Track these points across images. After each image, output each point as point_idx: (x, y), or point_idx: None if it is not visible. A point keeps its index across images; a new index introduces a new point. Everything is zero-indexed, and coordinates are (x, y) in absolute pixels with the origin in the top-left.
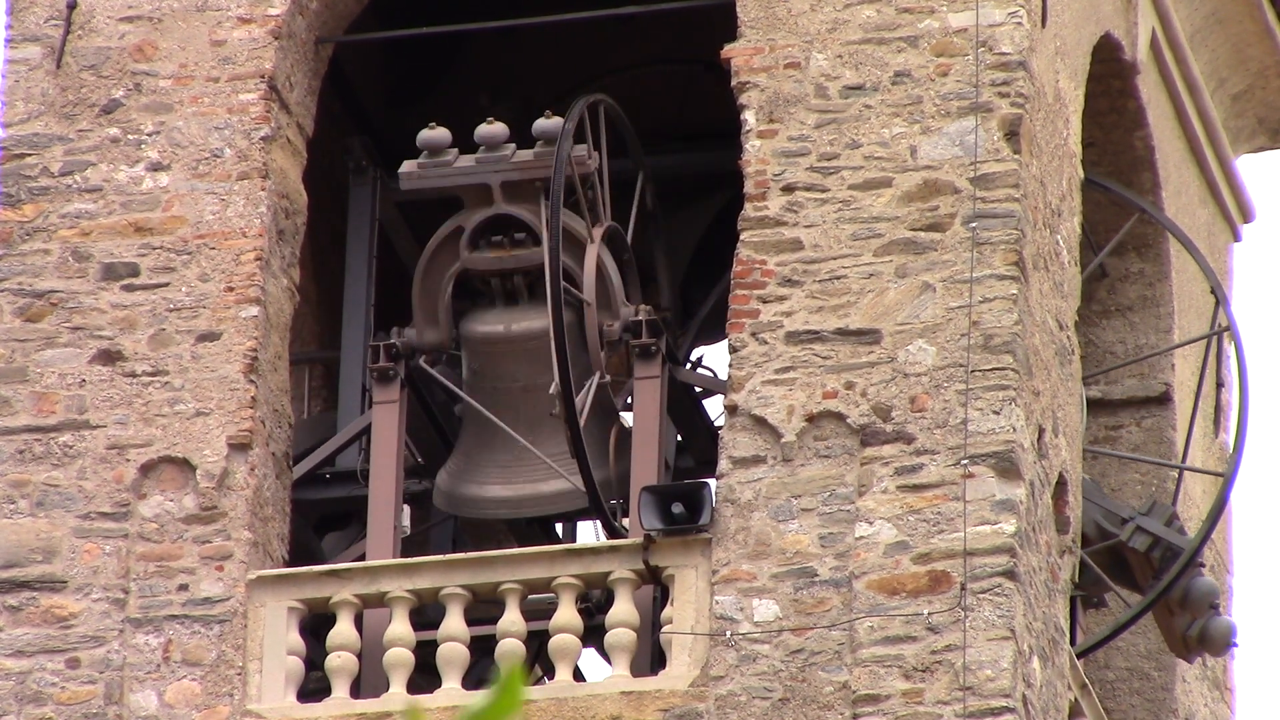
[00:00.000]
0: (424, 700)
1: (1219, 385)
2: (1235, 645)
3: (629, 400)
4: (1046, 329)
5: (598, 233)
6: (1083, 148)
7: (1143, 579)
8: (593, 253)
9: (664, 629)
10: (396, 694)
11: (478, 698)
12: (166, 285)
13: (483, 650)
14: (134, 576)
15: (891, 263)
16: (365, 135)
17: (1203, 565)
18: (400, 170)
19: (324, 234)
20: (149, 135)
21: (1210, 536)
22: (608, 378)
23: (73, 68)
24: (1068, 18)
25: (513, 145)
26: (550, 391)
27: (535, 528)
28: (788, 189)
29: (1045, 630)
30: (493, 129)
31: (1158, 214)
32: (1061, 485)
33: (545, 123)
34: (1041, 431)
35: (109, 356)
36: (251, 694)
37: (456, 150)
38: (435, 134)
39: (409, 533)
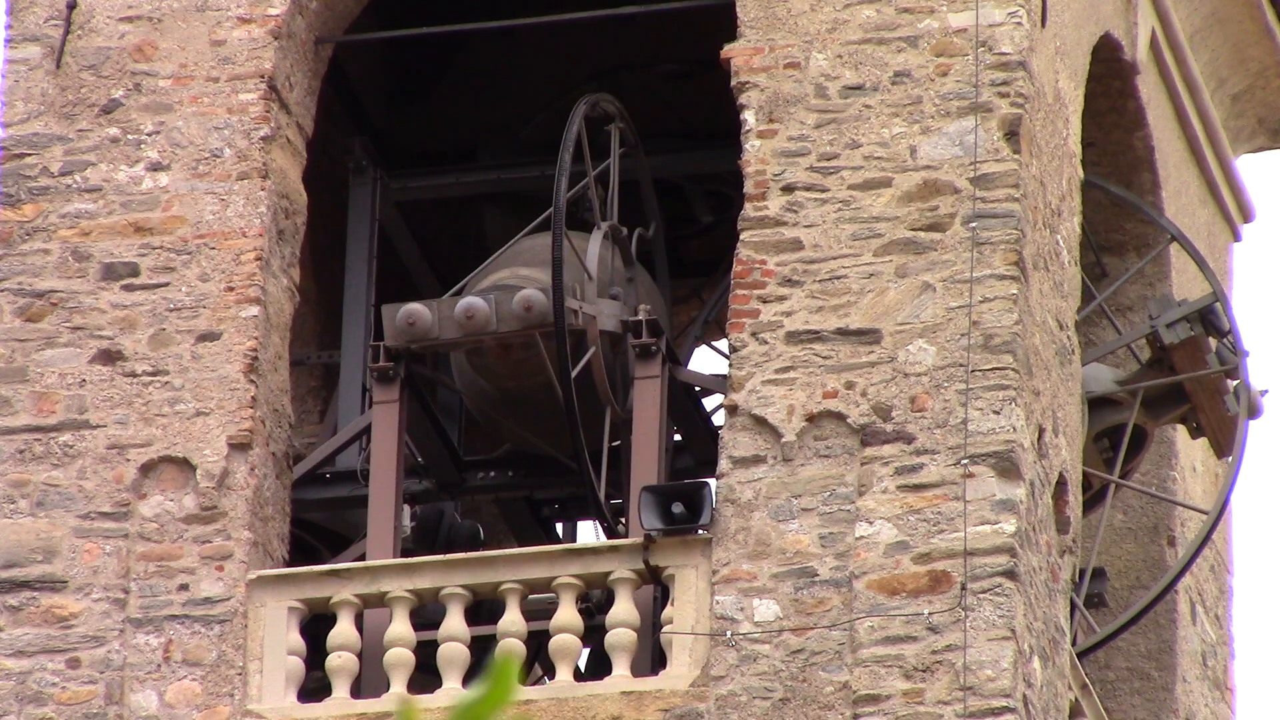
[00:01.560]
0: (424, 700)
1: None
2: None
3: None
4: (1047, 329)
5: (598, 234)
6: (1082, 148)
7: (1196, 362)
8: (596, 239)
9: (664, 629)
10: (397, 694)
11: (470, 691)
12: (166, 285)
13: (483, 650)
14: (134, 576)
15: (891, 263)
16: (365, 135)
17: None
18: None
19: (324, 234)
20: (149, 135)
21: (1210, 537)
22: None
23: (72, 68)
24: (1067, 18)
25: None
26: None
27: (535, 528)
28: (787, 189)
29: (1046, 630)
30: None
31: (1157, 215)
32: (1061, 485)
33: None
34: (1042, 431)
35: (109, 356)
36: (252, 694)
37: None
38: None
39: (409, 532)
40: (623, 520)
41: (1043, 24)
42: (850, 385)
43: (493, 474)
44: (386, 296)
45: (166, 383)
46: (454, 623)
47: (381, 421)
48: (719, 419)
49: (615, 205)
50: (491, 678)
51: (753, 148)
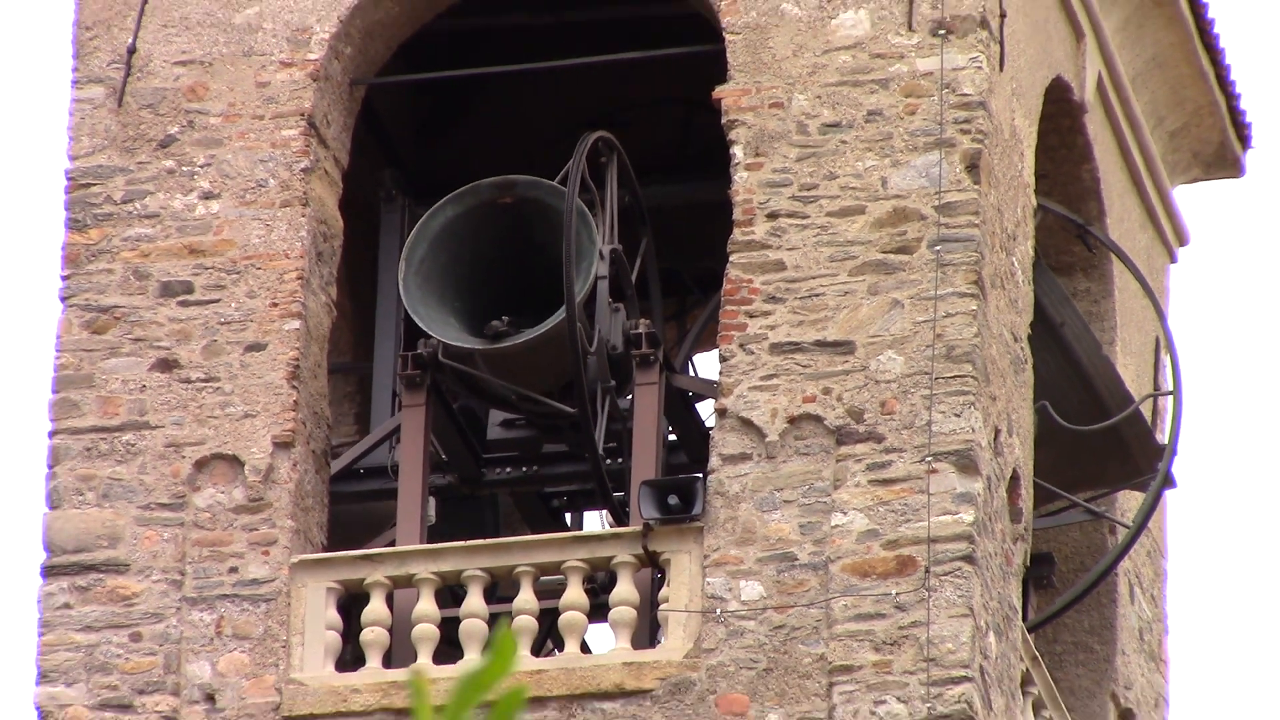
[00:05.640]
0: (446, 670)
1: (1156, 390)
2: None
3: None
4: (1002, 341)
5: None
6: (1035, 179)
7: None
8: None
9: (661, 607)
10: (423, 665)
11: (475, 663)
12: (217, 301)
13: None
14: (189, 560)
15: (864, 281)
16: (395, 167)
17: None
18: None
19: (358, 255)
20: (201, 167)
21: (1146, 525)
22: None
23: (132, 106)
24: (1023, 62)
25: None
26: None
27: (547, 517)
28: (772, 216)
29: (1000, 608)
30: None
31: (1103, 237)
32: (1015, 480)
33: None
34: (998, 432)
35: (166, 364)
36: (294, 664)
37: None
38: None
39: (434, 520)
40: (626, 508)
41: (1001, 68)
42: (827, 391)
43: (508, 470)
44: None
45: (218, 388)
46: (474, 601)
47: (409, 423)
48: (710, 421)
49: (615, 230)
50: (495, 651)
51: (741, 179)
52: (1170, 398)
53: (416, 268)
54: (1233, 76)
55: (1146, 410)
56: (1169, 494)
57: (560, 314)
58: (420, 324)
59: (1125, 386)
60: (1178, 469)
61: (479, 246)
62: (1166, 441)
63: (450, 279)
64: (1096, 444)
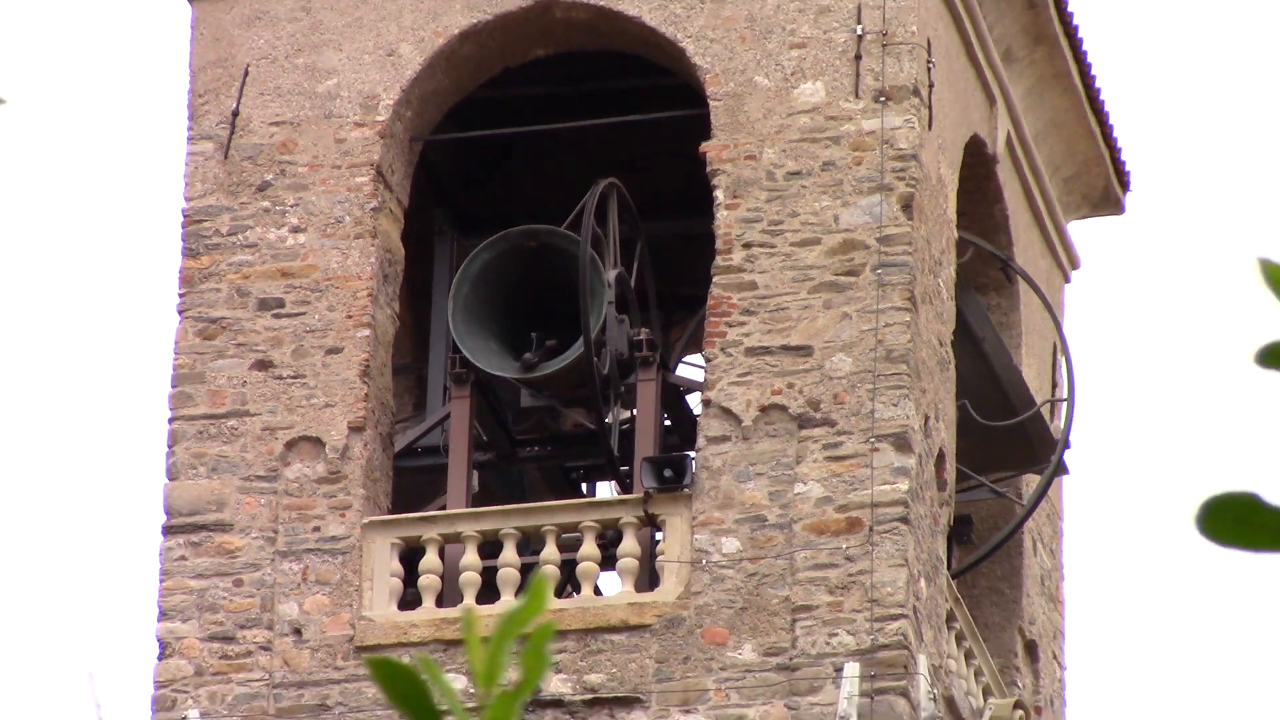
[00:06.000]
0: (486, 609)
1: (1054, 387)
2: None
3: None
4: (931, 346)
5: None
6: (957, 216)
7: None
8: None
9: (658, 558)
10: (467, 605)
11: (514, 603)
12: (303, 314)
13: (529, 574)
14: (281, 521)
15: (820, 298)
16: (445, 207)
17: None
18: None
19: (416, 278)
20: (290, 207)
21: (1038, 504)
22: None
23: (236, 158)
24: (947, 122)
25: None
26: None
27: (567, 486)
28: (746, 245)
29: (929, 559)
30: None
31: (1012, 262)
32: (941, 457)
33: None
34: (927, 419)
35: (262, 364)
36: (365, 605)
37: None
38: None
39: (476, 489)
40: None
41: (929, 128)
42: (791, 385)
43: (536, 449)
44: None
45: (304, 383)
46: (509, 554)
47: (457, 411)
48: (697, 409)
49: (618, 255)
50: (530, 594)
51: (722, 216)
52: (1065, 400)
53: (461, 304)
54: (1115, 134)
55: (1046, 410)
56: (1070, 453)
57: (578, 347)
58: (466, 354)
59: (1030, 391)
60: (1069, 458)
61: (510, 282)
62: (1060, 437)
63: (488, 311)
64: (1005, 437)
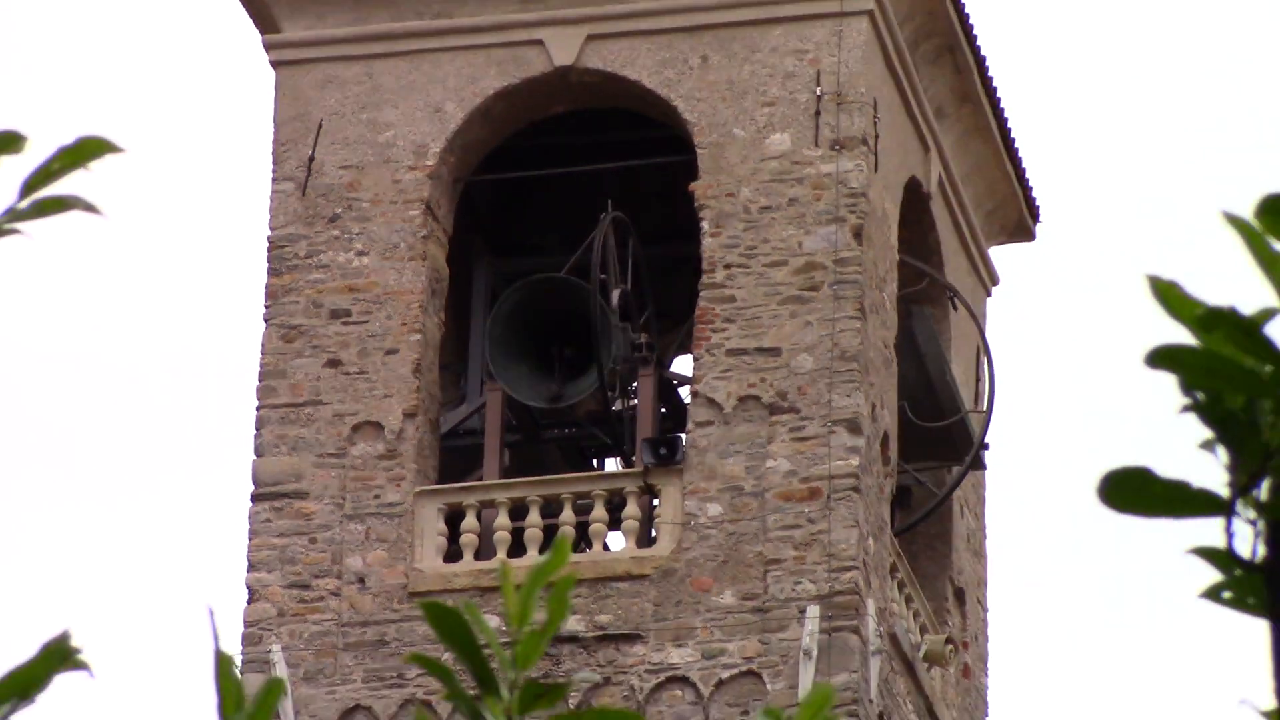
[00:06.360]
0: (516, 563)
1: (977, 382)
2: None
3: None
4: (877, 348)
5: (617, 292)
6: (898, 242)
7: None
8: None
9: (655, 520)
10: (501, 559)
11: (541, 559)
12: (367, 322)
13: (551, 533)
14: (347, 490)
15: (788, 309)
16: (482, 234)
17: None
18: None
19: (458, 292)
20: (356, 235)
21: (959, 483)
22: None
23: (311, 195)
24: (890, 166)
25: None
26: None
27: (581, 462)
28: (727, 266)
29: (876, 521)
30: None
31: (943, 280)
32: (885, 439)
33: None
34: (874, 407)
35: (333, 363)
36: (416, 559)
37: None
38: None
39: (508, 464)
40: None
41: (875, 170)
42: (763, 379)
43: (555, 432)
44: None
45: (367, 378)
46: (533, 517)
47: (491, 401)
48: (686, 399)
49: (621, 274)
50: (554, 551)
51: (707, 242)
52: (986, 400)
53: (496, 340)
54: (1027, 176)
55: (973, 410)
56: (988, 453)
57: (594, 379)
58: (501, 384)
59: (960, 400)
60: (987, 457)
61: (535, 317)
62: (977, 440)
63: (518, 343)
64: (936, 435)
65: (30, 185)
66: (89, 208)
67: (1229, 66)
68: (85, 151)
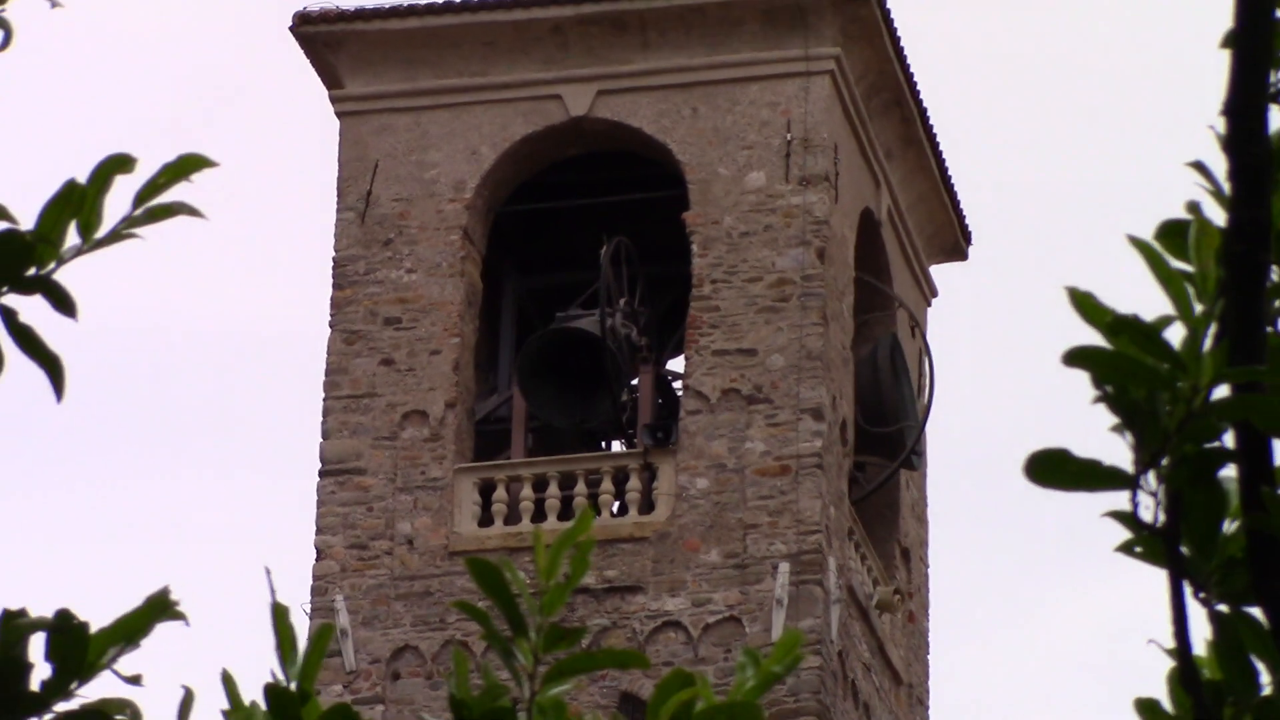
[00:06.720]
0: (542, 527)
1: (919, 377)
2: None
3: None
4: (836, 349)
5: (621, 301)
6: (854, 261)
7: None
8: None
9: (654, 492)
10: (527, 525)
11: (568, 525)
12: (414, 328)
13: (566, 503)
14: (399, 467)
15: (764, 317)
16: (510, 254)
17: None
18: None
19: (490, 303)
20: (405, 256)
21: (894, 474)
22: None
23: (369, 222)
24: (847, 197)
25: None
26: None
27: (592, 443)
28: (713, 282)
29: (836, 493)
30: None
31: (892, 292)
32: (844, 425)
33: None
34: (835, 398)
35: (387, 362)
36: (455, 523)
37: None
38: None
39: (531, 445)
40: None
41: (836, 202)
42: (743, 375)
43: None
44: (522, 336)
45: (414, 375)
46: (553, 490)
47: (518, 394)
48: (679, 391)
49: (623, 287)
50: (579, 519)
51: (696, 262)
52: (924, 398)
53: (527, 375)
54: (961, 206)
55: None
56: (927, 434)
57: (608, 404)
58: (532, 409)
59: (906, 412)
60: (918, 459)
61: (556, 354)
62: (909, 444)
63: (542, 377)
64: (880, 437)
65: (141, 196)
66: (193, 212)
67: (1129, 118)
68: (187, 167)
